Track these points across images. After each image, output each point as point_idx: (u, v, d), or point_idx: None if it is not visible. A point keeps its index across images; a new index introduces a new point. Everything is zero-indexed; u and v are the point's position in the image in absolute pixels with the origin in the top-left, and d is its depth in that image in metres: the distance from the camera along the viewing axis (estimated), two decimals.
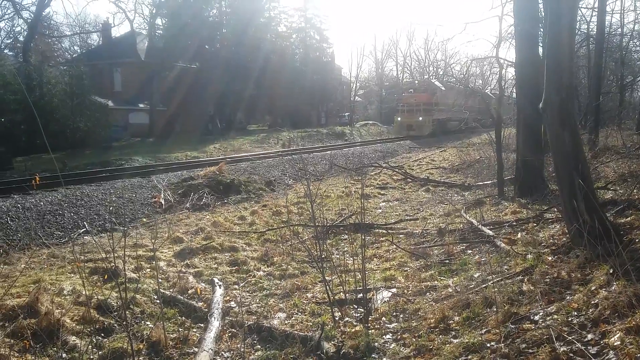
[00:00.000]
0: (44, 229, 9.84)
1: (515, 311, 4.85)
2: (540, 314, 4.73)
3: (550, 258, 6.18)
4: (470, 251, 7.67)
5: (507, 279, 5.72)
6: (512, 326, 4.65)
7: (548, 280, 5.42)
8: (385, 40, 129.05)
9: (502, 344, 4.36)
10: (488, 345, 4.44)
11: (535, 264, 6.00)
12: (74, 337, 5.19)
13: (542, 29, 13.02)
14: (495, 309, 4.92)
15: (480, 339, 4.57)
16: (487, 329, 4.74)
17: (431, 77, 63.23)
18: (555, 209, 8.73)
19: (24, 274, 7.07)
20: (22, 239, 9.21)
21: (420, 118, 37.46)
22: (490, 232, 8.03)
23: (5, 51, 41.21)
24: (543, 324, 4.52)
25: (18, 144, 25.83)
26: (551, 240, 7.03)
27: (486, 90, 47.02)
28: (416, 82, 44.50)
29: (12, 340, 4.96)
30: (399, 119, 39.52)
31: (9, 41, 46.19)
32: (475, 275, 6.34)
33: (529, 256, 6.43)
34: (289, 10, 53.50)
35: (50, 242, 9.28)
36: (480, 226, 8.44)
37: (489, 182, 13.91)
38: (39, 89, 28.02)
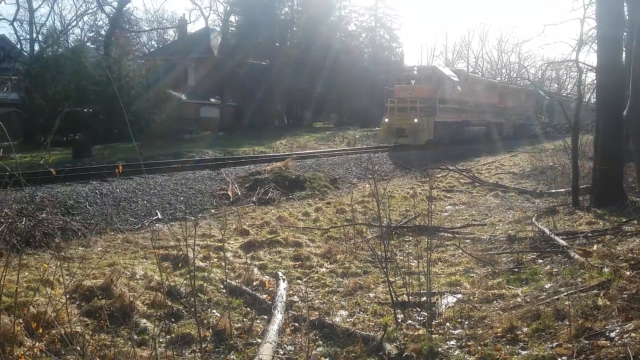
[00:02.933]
0: (119, 215, 10.31)
1: (589, 326, 4.64)
2: (617, 330, 4.50)
3: (628, 273, 5.86)
4: (541, 261, 7.39)
5: (581, 292, 5.48)
6: (586, 341, 4.45)
7: (626, 296, 5.15)
8: (457, 41, 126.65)
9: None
10: (559, 359, 4.27)
11: (612, 279, 5.70)
12: (144, 320, 5.41)
13: (626, 33, 12.38)
14: (567, 323, 4.72)
15: (550, 352, 4.40)
16: (558, 343, 4.56)
17: (494, 77, 59.95)
18: (636, 222, 8.30)
19: (100, 256, 7.43)
20: (99, 223, 9.69)
21: (416, 120, 25.39)
22: (564, 242, 7.69)
23: (87, 44, 43.47)
24: (620, 342, 4.29)
25: (97, 133, 27.25)
26: (630, 255, 6.67)
27: (563, 95, 42.24)
28: (415, 69, 30.45)
29: (87, 320, 5.24)
30: (387, 120, 26.95)
31: (91, 34, 48.82)
32: (547, 286, 6.11)
33: (606, 270, 6.12)
34: (360, 9, 53.47)
35: (124, 228, 9.72)
36: (552, 235, 8.11)
37: (562, 190, 13.39)
38: (118, 81, 29.39)
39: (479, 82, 33.42)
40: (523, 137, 35.54)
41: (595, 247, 7.38)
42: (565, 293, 5.41)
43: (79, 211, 9.87)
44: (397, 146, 25.74)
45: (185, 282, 6.26)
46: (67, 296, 5.30)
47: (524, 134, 36.80)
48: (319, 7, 43.70)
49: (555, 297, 5.46)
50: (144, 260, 7.42)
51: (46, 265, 5.87)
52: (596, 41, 12.16)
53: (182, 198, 12.00)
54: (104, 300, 5.51)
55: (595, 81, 12.90)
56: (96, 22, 47.65)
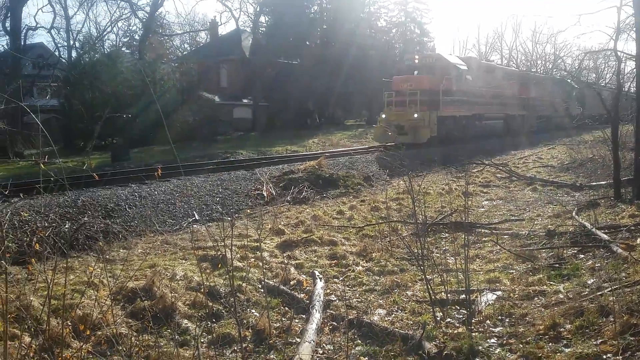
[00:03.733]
0: (157, 217, 10.52)
1: (635, 322, 4.52)
2: None
3: None
4: (582, 256, 7.24)
5: (626, 287, 5.34)
6: (632, 338, 4.35)
7: None
8: (490, 33, 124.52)
9: (620, 357, 4.10)
10: (604, 357, 4.20)
11: None
12: (186, 321, 5.53)
13: None
14: (612, 319, 4.62)
15: (595, 349, 4.32)
16: (603, 340, 4.46)
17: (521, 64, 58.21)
18: None
19: (140, 258, 7.60)
20: (138, 225, 9.91)
21: (416, 115, 21.94)
22: (606, 237, 7.51)
23: (122, 49, 44.40)
24: None
25: (133, 137, 27.86)
26: None
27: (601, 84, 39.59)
28: (416, 57, 25.93)
29: (131, 321, 5.38)
30: (384, 115, 23.70)
31: (125, 39, 49.81)
32: (589, 282, 5.99)
33: None
34: (389, 4, 52.91)
35: (163, 229, 9.92)
36: (594, 229, 7.92)
37: (603, 182, 13.05)
38: (153, 85, 29.97)
39: (494, 70, 29.62)
40: (552, 129, 34.20)
41: (638, 240, 7.18)
42: (609, 288, 5.29)
43: (119, 214, 10.12)
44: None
45: (224, 282, 6.36)
46: (112, 298, 5.45)
47: (553, 126, 35.42)
48: (347, 4, 43.63)
49: (599, 293, 5.34)
50: (184, 261, 7.57)
51: (92, 268, 6.04)
52: (634, 29, 11.79)
53: (218, 199, 12.17)
54: (146, 301, 5.64)
55: (635, 70, 12.51)
56: (130, 27, 48.64)
